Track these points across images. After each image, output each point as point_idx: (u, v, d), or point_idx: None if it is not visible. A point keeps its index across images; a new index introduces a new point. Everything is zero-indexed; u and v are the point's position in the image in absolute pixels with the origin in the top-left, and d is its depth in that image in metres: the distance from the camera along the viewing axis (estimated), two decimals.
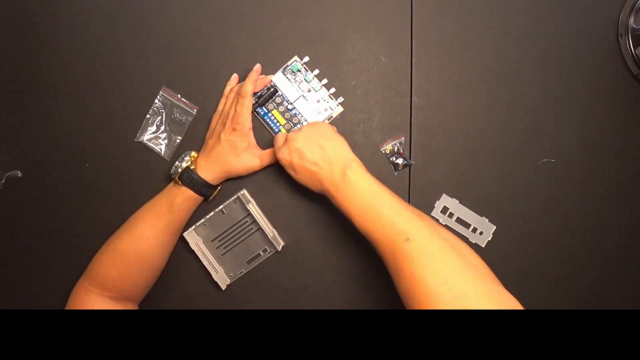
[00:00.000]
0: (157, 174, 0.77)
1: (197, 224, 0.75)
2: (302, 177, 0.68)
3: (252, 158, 0.73)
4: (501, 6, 0.77)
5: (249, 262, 0.77)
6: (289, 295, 0.78)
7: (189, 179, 0.70)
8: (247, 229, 0.76)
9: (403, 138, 0.77)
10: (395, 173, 0.77)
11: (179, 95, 0.77)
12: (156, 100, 0.77)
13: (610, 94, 0.77)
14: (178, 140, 0.77)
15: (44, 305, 0.78)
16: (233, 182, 0.76)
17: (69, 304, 0.71)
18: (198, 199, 0.72)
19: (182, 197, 0.71)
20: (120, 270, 0.70)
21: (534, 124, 0.77)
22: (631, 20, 0.76)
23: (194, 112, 0.77)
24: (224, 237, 0.76)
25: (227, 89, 0.76)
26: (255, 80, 0.74)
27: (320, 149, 0.66)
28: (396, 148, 0.77)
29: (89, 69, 0.78)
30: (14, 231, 0.78)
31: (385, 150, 0.77)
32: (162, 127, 0.78)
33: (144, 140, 0.77)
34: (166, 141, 0.77)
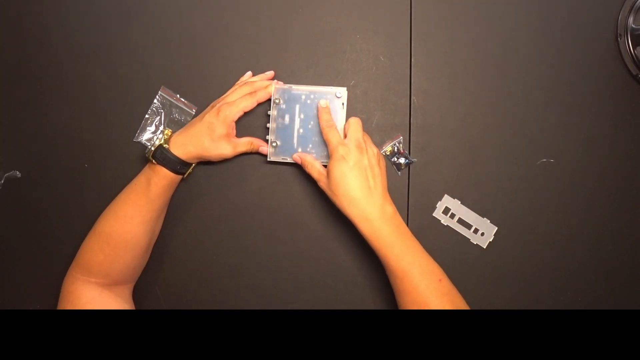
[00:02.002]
0: None
1: None
2: (354, 180, 0.66)
3: (226, 145, 0.71)
4: (500, 6, 0.77)
5: None
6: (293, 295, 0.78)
7: (162, 156, 0.69)
8: None
9: (401, 137, 0.77)
10: (399, 173, 0.77)
11: (178, 95, 0.77)
12: (155, 100, 0.77)
13: (610, 94, 0.77)
14: None
15: (43, 305, 0.78)
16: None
17: (60, 297, 0.70)
18: (174, 177, 0.71)
19: (157, 176, 0.70)
20: (106, 253, 0.69)
21: (533, 124, 0.77)
22: (630, 20, 0.76)
23: (193, 112, 0.77)
24: None
25: (244, 78, 0.77)
26: (267, 94, 0.73)
27: (381, 172, 0.68)
28: (396, 148, 0.77)
29: (87, 69, 0.78)
30: (13, 231, 0.78)
31: (385, 152, 0.77)
32: (161, 127, 0.77)
33: (143, 140, 0.77)
34: None
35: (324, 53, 0.77)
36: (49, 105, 0.78)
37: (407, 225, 0.77)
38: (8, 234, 0.78)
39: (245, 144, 0.74)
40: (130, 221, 0.70)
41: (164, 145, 0.70)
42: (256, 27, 0.77)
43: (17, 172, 0.78)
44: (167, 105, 0.77)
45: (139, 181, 0.72)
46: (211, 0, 0.78)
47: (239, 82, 0.76)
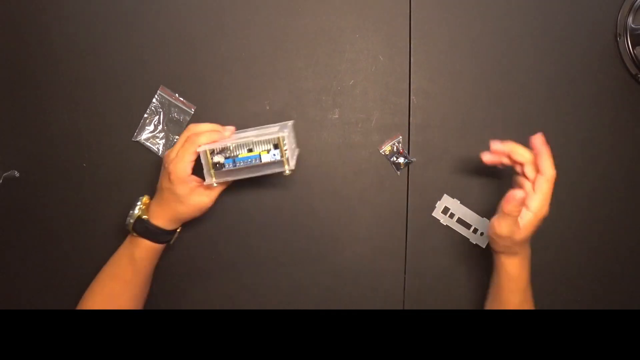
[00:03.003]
0: (154, 174, 0.77)
1: None
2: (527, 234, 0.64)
3: (199, 197, 0.66)
4: (499, 6, 0.77)
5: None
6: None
7: (143, 228, 0.66)
8: None
9: (400, 137, 0.77)
10: (399, 172, 0.77)
11: (177, 95, 0.77)
12: (154, 100, 0.77)
13: (609, 94, 0.77)
14: (176, 140, 0.77)
15: (42, 305, 0.78)
16: None
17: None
18: (159, 246, 0.68)
19: (140, 248, 0.67)
20: None
21: (532, 124, 0.77)
22: (630, 20, 0.76)
23: (192, 111, 0.77)
24: None
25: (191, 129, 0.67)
26: (214, 141, 0.64)
27: None
28: (395, 148, 0.77)
29: (86, 68, 0.78)
30: (11, 231, 0.78)
31: (385, 151, 0.77)
32: (160, 127, 0.77)
33: (142, 139, 0.77)
34: (164, 141, 0.77)
35: (323, 53, 0.77)
36: (47, 105, 0.78)
37: (407, 225, 0.78)
38: (7, 233, 0.78)
39: (218, 186, 0.67)
40: (118, 299, 0.67)
41: (143, 217, 0.66)
42: (255, 26, 0.77)
43: (16, 172, 0.77)
44: (166, 105, 0.77)
45: (122, 255, 0.68)
46: (211, 0, 0.78)
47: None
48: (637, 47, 0.75)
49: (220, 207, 0.77)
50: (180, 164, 0.63)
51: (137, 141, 0.77)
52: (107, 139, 0.78)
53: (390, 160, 0.77)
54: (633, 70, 0.76)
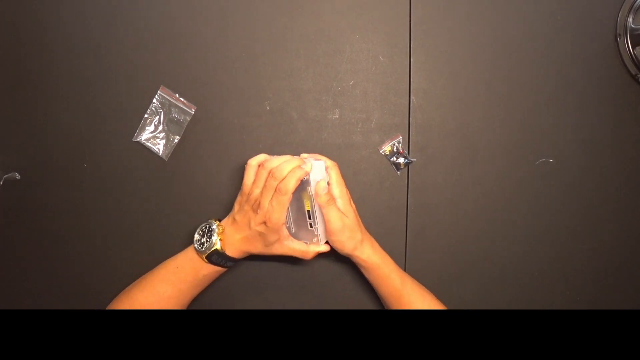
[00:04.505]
0: (155, 174, 0.77)
1: None
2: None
3: (280, 248, 0.69)
4: (499, 6, 0.77)
5: None
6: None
7: (218, 260, 0.68)
8: None
9: (400, 137, 0.77)
10: (398, 173, 0.77)
11: (177, 95, 0.77)
12: (154, 100, 0.77)
13: (609, 94, 0.77)
14: (176, 140, 0.77)
15: (42, 305, 0.78)
16: None
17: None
18: (224, 269, 0.71)
19: (208, 270, 0.69)
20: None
21: (532, 124, 0.77)
22: (630, 20, 0.76)
23: (192, 111, 0.77)
24: None
25: (254, 162, 0.69)
26: (300, 179, 0.65)
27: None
28: (395, 148, 0.77)
29: (86, 69, 0.78)
30: (12, 231, 0.78)
31: (385, 151, 0.77)
32: (160, 127, 0.77)
33: (142, 140, 0.77)
34: (164, 141, 0.77)
35: (323, 53, 0.77)
36: (47, 105, 0.78)
37: (407, 225, 0.78)
38: (8, 233, 0.78)
39: (300, 251, 0.70)
40: (167, 301, 0.69)
41: (220, 250, 0.68)
42: (255, 26, 0.77)
43: (17, 174, 0.77)
44: (166, 105, 0.77)
45: (184, 267, 0.70)
46: (211, 0, 0.78)
47: (249, 163, 0.69)
48: (637, 47, 0.75)
49: (221, 207, 0.77)
50: (276, 214, 0.65)
51: (138, 141, 0.77)
52: (107, 139, 0.78)
53: (390, 161, 0.77)
54: (633, 70, 0.76)
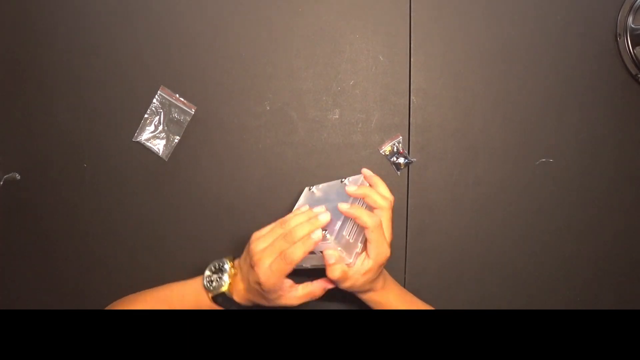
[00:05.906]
0: (155, 174, 0.77)
1: None
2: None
3: (287, 300, 0.63)
4: (499, 6, 0.77)
5: None
6: None
7: (223, 303, 0.65)
8: None
9: (401, 137, 0.77)
10: (399, 173, 0.77)
11: (178, 95, 0.77)
12: (154, 100, 0.77)
13: (609, 94, 0.77)
14: (176, 140, 0.77)
15: (42, 305, 0.78)
16: None
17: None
18: None
19: (211, 307, 0.66)
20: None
21: (532, 124, 0.77)
22: (630, 19, 0.76)
23: (192, 111, 0.77)
24: None
25: (294, 220, 0.62)
26: (312, 247, 0.59)
27: None
28: (395, 148, 0.77)
29: (86, 69, 0.78)
30: (12, 232, 0.78)
31: (385, 151, 0.77)
32: (160, 127, 0.77)
33: (142, 140, 0.77)
34: (164, 141, 0.77)
35: (323, 53, 0.77)
36: (47, 105, 0.78)
37: (407, 225, 0.78)
38: (8, 234, 0.78)
39: (306, 295, 0.63)
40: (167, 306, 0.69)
41: (228, 294, 0.64)
42: (256, 26, 0.77)
43: (17, 175, 0.77)
44: (166, 105, 0.77)
45: (188, 296, 0.68)
46: (211, 0, 0.78)
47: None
48: (637, 47, 0.75)
49: (222, 208, 0.77)
50: (272, 279, 0.59)
51: (138, 141, 0.77)
52: (107, 139, 0.78)
53: (390, 161, 0.77)
54: (633, 70, 0.76)
